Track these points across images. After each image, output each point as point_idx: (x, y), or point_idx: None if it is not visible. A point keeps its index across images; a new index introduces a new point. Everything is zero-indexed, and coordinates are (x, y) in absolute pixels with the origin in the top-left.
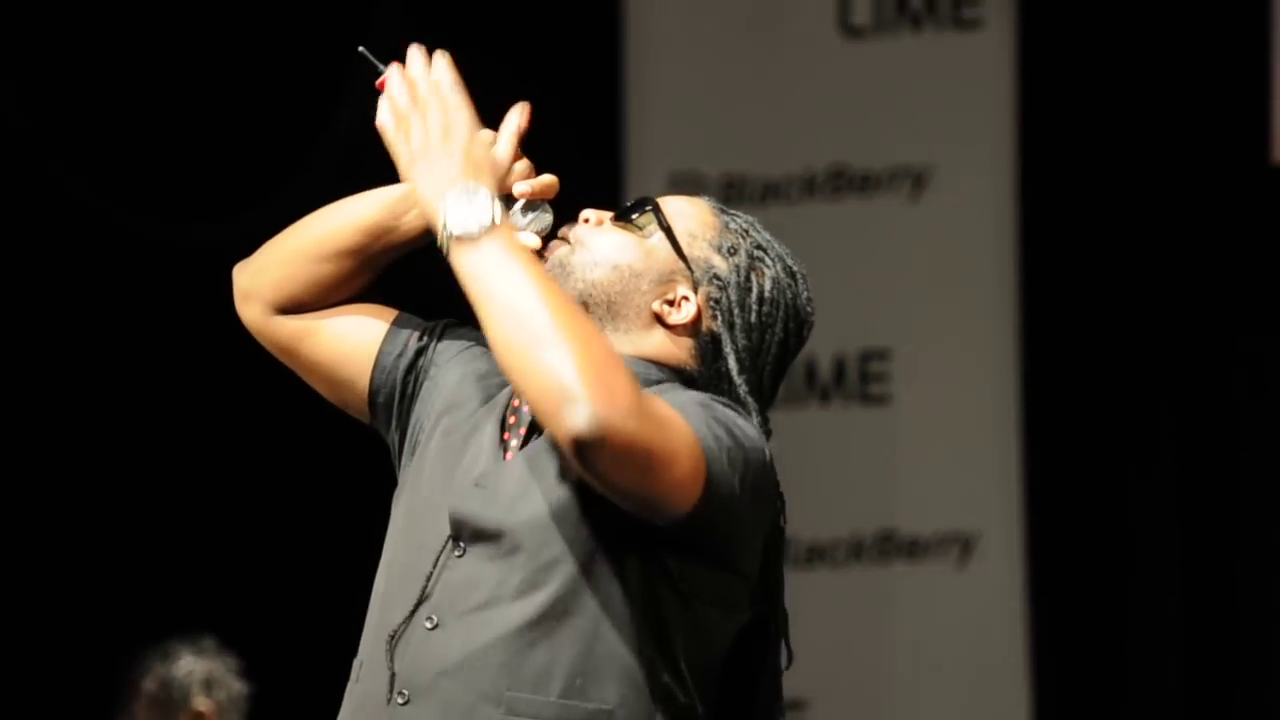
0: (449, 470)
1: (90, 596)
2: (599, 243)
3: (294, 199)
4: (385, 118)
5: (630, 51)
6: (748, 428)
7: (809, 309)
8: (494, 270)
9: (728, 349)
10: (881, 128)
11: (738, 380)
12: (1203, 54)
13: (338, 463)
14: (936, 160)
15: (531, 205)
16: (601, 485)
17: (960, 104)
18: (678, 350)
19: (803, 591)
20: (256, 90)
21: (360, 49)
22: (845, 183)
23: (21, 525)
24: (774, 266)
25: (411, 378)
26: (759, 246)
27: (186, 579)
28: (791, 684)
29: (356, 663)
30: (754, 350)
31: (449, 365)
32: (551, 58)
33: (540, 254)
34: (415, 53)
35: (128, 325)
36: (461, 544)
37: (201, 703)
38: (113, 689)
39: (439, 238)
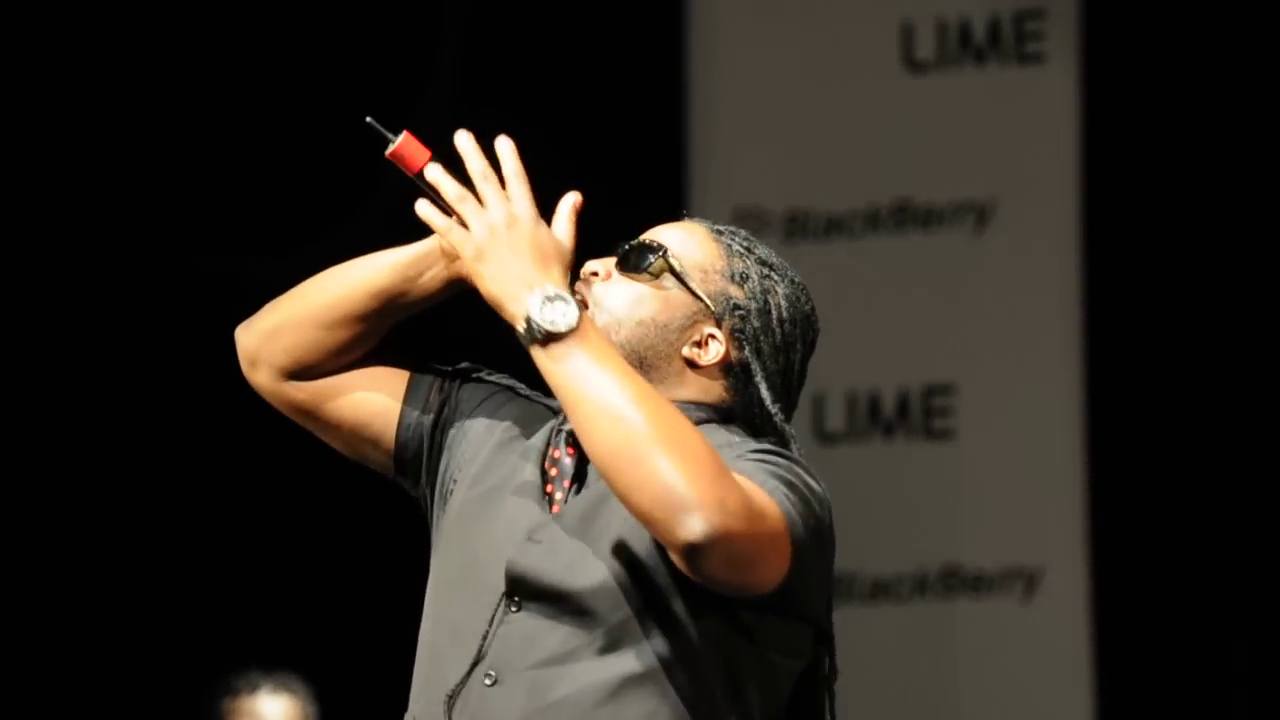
0: (491, 522)
1: (136, 622)
2: (616, 300)
3: (351, 235)
4: (429, 211)
5: (694, 87)
6: (809, 477)
7: (816, 316)
8: (586, 373)
9: (759, 377)
10: (945, 162)
11: (772, 409)
12: (1265, 88)
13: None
14: (1000, 194)
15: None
16: (704, 581)
17: (1023, 138)
18: (712, 388)
19: (867, 627)
20: (316, 127)
21: (368, 119)
22: (908, 217)
23: (67, 552)
24: (783, 282)
25: (438, 432)
26: (764, 264)
27: (234, 605)
28: (856, 717)
29: (409, 717)
30: (781, 371)
31: (474, 414)
32: (616, 93)
33: None
34: (465, 139)
35: (186, 357)
36: (517, 599)
37: None
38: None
39: (519, 337)
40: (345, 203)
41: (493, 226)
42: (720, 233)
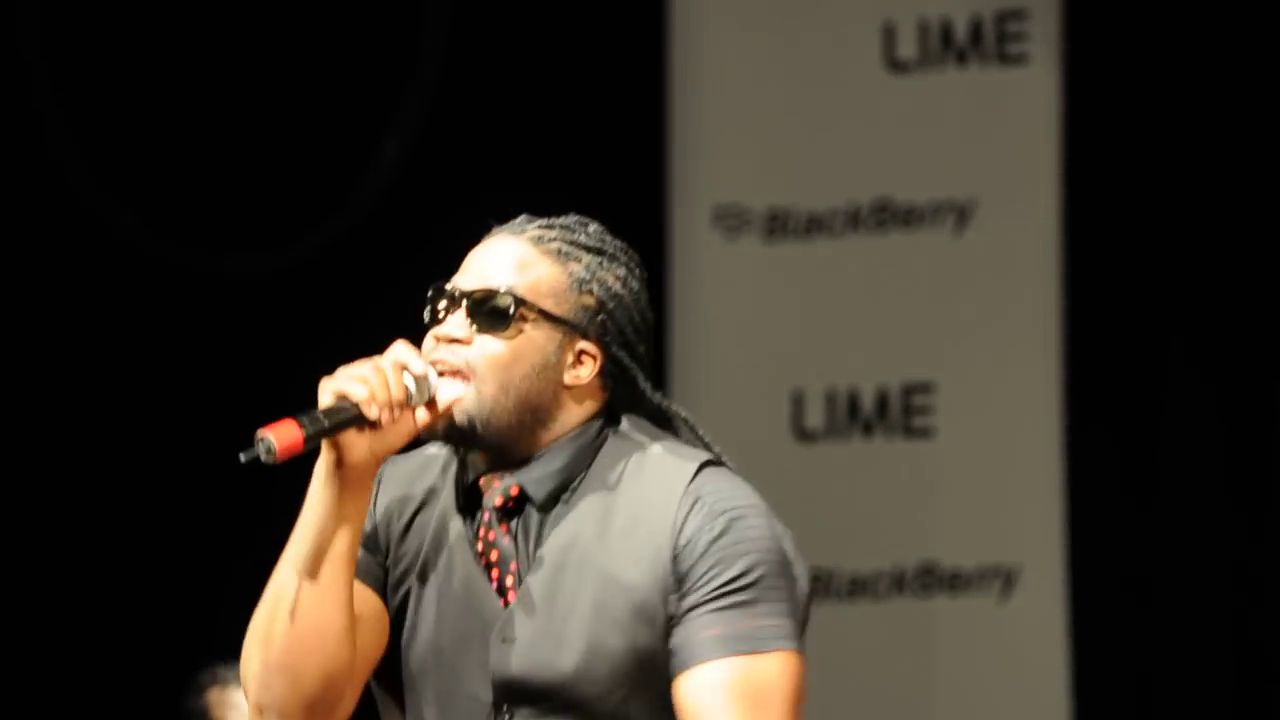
0: (447, 621)
1: (130, 621)
2: (487, 365)
3: (337, 230)
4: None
5: (675, 84)
6: (781, 538)
7: (639, 263)
8: None
9: (634, 369)
10: (926, 161)
11: (652, 396)
12: (1247, 90)
13: None
14: (981, 194)
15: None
16: None
17: (1005, 138)
18: (593, 395)
19: (844, 624)
20: (302, 121)
21: (241, 457)
22: (889, 216)
23: (57, 551)
24: (615, 261)
25: (385, 561)
26: (593, 251)
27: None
28: (834, 716)
29: None
30: (646, 346)
31: (380, 514)
32: (597, 91)
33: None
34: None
35: (169, 354)
36: (507, 708)
37: None
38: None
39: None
40: (331, 197)
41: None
42: (540, 239)
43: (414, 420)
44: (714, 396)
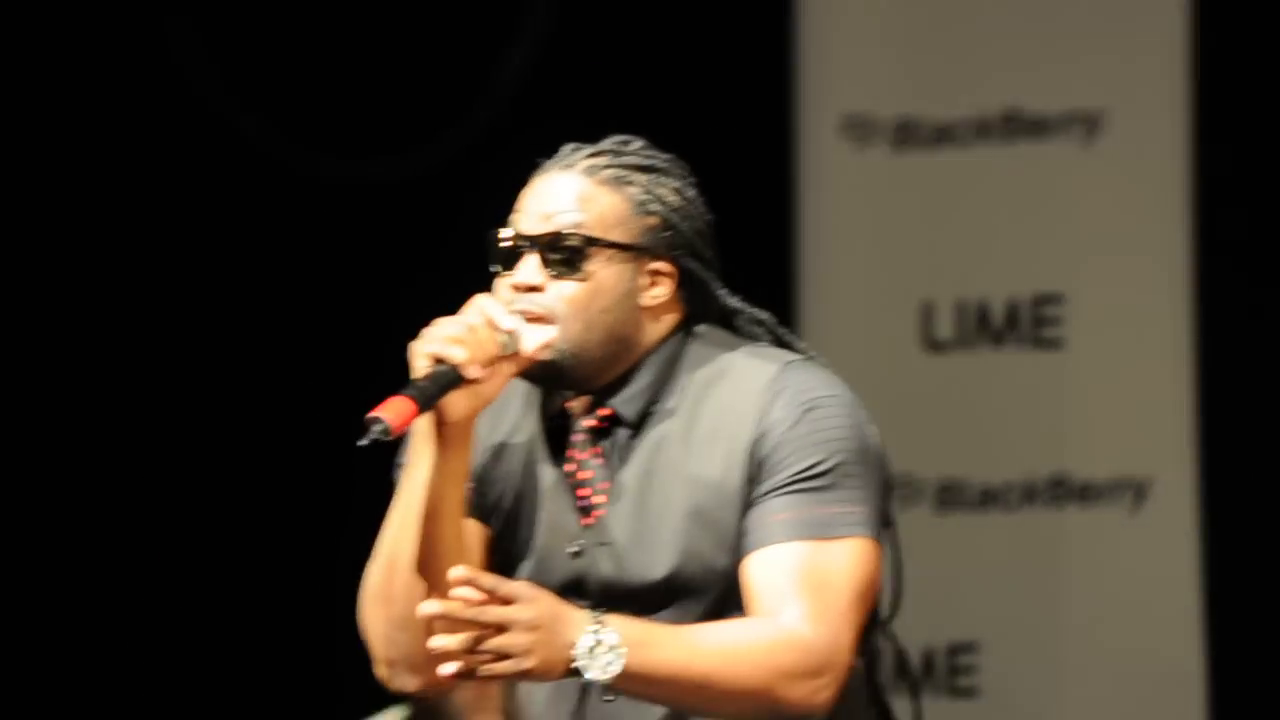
0: (538, 537)
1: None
2: (573, 308)
3: (465, 135)
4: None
5: None
6: (862, 427)
7: (687, 167)
8: (648, 680)
9: (706, 276)
10: (1055, 71)
11: (730, 302)
12: None
13: None
14: (1110, 104)
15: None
16: None
17: (1134, 46)
18: (672, 312)
19: (974, 535)
20: (428, 26)
21: (359, 443)
22: (1018, 127)
23: (203, 457)
24: (669, 174)
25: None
26: (648, 170)
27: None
28: (962, 626)
29: None
30: (713, 250)
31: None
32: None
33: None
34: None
35: (299, 261)
36: (602, 612)
37: None
38: None
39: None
40: (458, 101)
41: (526, 634)
42: (593, 169)
43: (506, 371)
44: (842, 308)
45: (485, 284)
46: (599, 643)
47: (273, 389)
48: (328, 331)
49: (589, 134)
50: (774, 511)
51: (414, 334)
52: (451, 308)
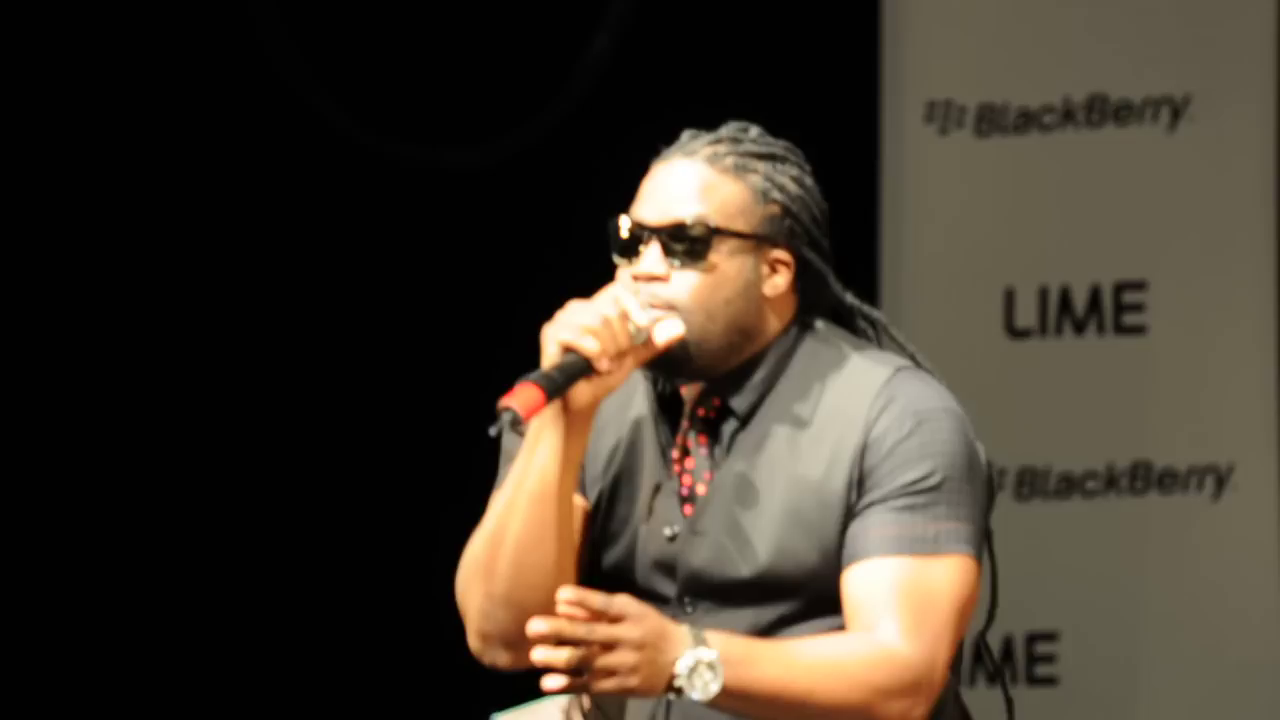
0: (636, 520)
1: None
2: (696, 299)
3: (547, 124)
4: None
5: None
6: (971, 443)
7: (809, 165)
8: (746, 698)
9: (824, 268)
10: (1140, 57)
11: (844, 297)
12: None
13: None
14: (1195, 89)
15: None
16: None
17: (1220, 32)
18: (790, 303)
19: (1055, 522)
20: (513, 13)
21: (490, 431)
22: (1102, 112)
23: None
24: (787, 162)
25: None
26: (768, 158)
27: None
28: (1043, 614)
29: None
30: (829, 241)
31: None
32: None
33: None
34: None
35: (379, 247)
36: (688, 600)
37: None
38: None
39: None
40: (538, 90)
41: (633, 653)
42: (714, 157)
43: (633, 362)
44: (925, 293)
45: (582, 272)
46: (699, 662)
47: (352, 374)
48: (411, 319)
49: (673, 123)
50: (879, 524)
51: (496, 321)
52: (550, 297)
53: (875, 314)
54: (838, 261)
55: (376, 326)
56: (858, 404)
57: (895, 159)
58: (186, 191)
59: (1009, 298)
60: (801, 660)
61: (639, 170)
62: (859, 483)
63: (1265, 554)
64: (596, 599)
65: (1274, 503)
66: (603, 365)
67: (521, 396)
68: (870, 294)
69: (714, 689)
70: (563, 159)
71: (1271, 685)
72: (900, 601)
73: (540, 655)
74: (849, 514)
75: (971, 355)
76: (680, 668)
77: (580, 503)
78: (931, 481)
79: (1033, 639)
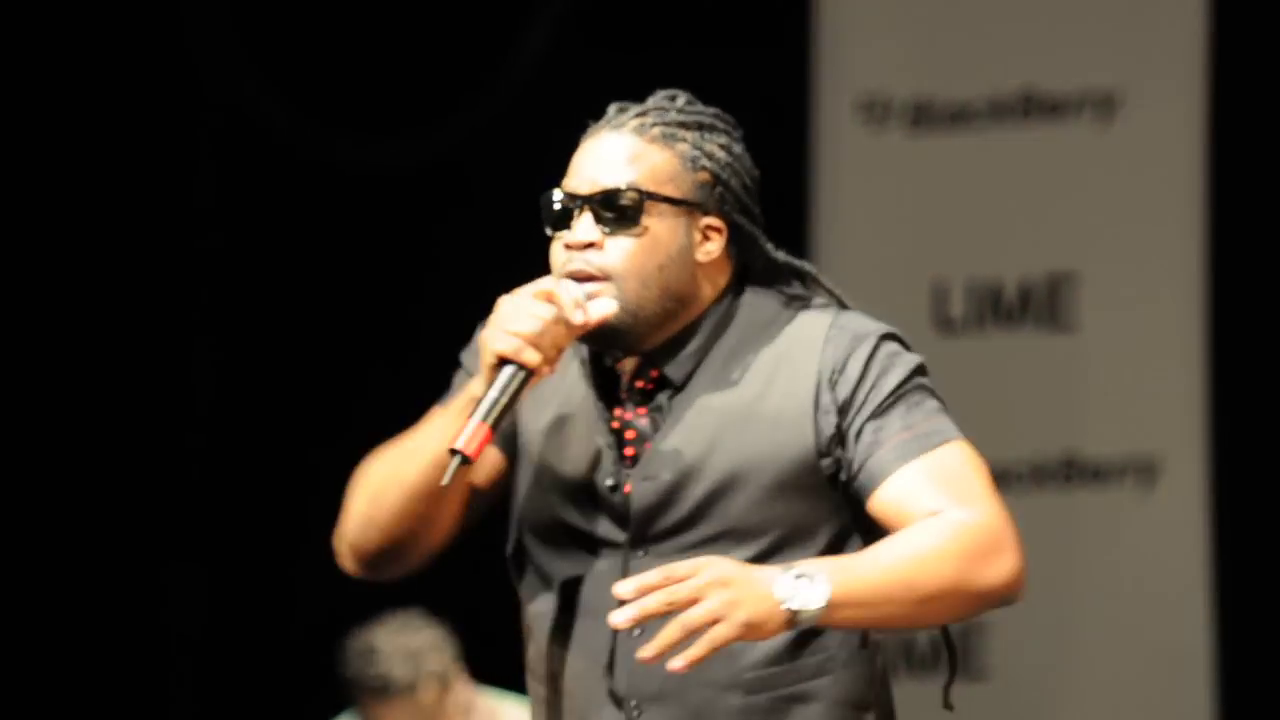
0: (576, 480)
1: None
2: (630, 264)
3: (476, 120)
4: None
5: None
6: (916, 355)
7: (733, 120)
8: (857, 602)
9: (755, 231)
10: (1071, 51)
11: (775, 254)
12: None
13: None
14: (1126, 84)
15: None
16: None
17: (1151, 27)
18: (724, 268)
19: None
20: (443, 8)
21: (445, 480)
22: (1034, 107)
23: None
24: (717, 130)
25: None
26: (697, 128)
27: None
28: None
29: (546, 684)
30: (760, 206)
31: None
32: None
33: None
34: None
35: (313, 243)
36: (644, 546)
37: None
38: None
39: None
40: (475, 81)
41: (716, 603)
42: (641, 128)
43: (569, 343)
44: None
45: (503, 269)
46: (800, 576)
47: (266, 370)
48: (340, 315)
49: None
50: (888, 436)
51: (429, 313)
52: (468, 292)
53: (807, 266)
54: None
55: (298, 320)
56: (807, 343)
57: (828, 153)
58: (116, 194)
59: (940, 292)
60: (892, 553)
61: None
62: (840, 410)
63: (1193, 546)
64: (653, 575)
65: (1202, 496)
66: (545, 372)
67: (471, 437)
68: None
69: (824, 595)
70: (492, 157)
71: (1197, 676)
72: (943, 488)
73: (644, 651)
74: (832, 443)
75: None
76: (780, 588)
77: (496, 459)
78: (914, 382)
79: (964, 631)
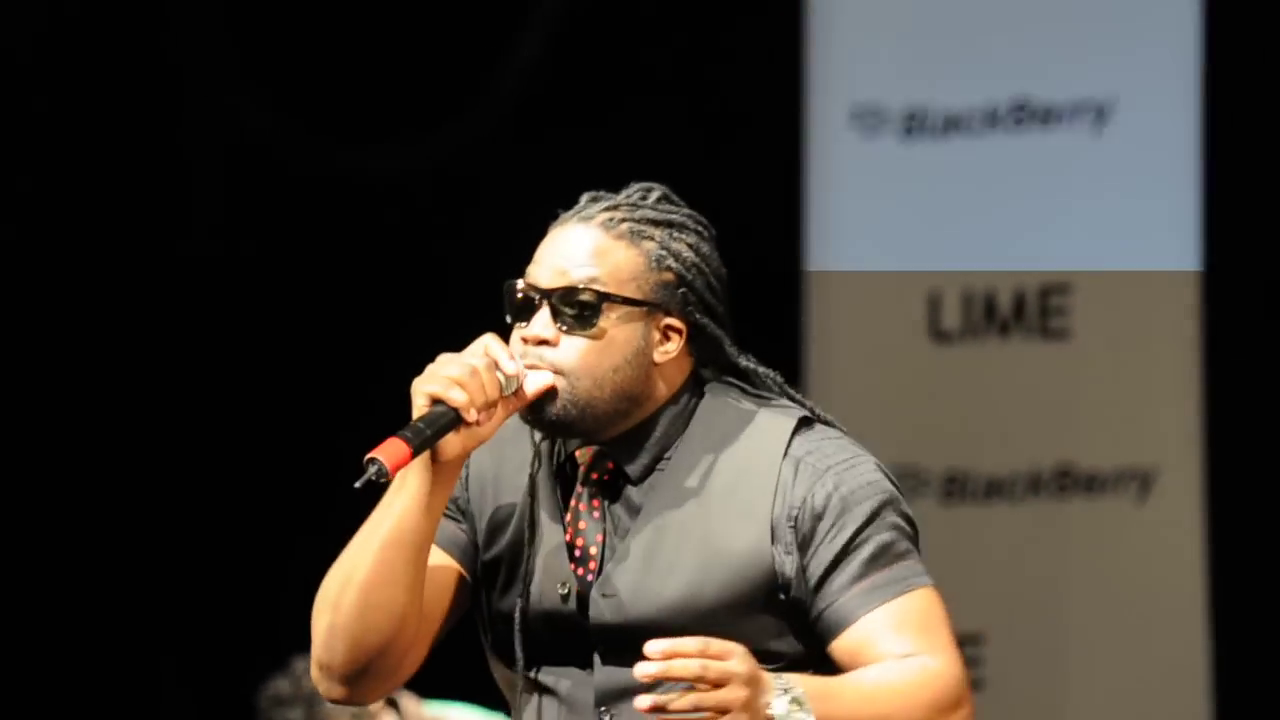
0: (535, 582)
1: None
2: (584, 363)
3: (470, 127)
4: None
5: None
6: (885, 479)
7: (707, 222)
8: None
9: (718, 333)
10: (1064, 61)
11: (739, 360)
12: None
13: None
14: (1120, 93)
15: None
16: None
17: (1144, 37)
18: (682, 366)
19: (980, 526)
20: (437, 15)
21: (355, 485)
22: (1027, 115)
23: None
24: (686, 230)
25: (474, 526)
26: (664, 225)
27: None
28: (968, 617)
29: None
30: (725, 306)
31: (472, 479)
32: None
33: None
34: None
35: (299, 251)
36: (601, 656)
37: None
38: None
39: None
40: (464, 90)
41: (743, 689)
42: (609, 222)
43: (505, 412)
44: (850, 297)
45: (483, 282)
46: (794, 700)
47: (255, 382)
48: (335, 320)
49: (599, 129)
50: (847, 584)
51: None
52: (454, 323)
53: (771, 374)
54: (764, 264)
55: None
56: (766, 463)
57: (821, 161)
58: (106, 200)
59: (933, 302)
60: (869, 687)
61: (562, 174)
62: (801, 547)
63: (1189, 556)
64: (692, 643)
65: (1197, 506)
66: (470, 415)
67: (388, 450)
68: (796, 298)
69: None
70: (483, 168)
71: (1194, 686)
72: (909, 635)
73: (647, 701)
74: (794, 581)
75: (896, 359)
76: (776, 706)
77: (452, 570)
78: (876, 525)
79: (959, 642)
